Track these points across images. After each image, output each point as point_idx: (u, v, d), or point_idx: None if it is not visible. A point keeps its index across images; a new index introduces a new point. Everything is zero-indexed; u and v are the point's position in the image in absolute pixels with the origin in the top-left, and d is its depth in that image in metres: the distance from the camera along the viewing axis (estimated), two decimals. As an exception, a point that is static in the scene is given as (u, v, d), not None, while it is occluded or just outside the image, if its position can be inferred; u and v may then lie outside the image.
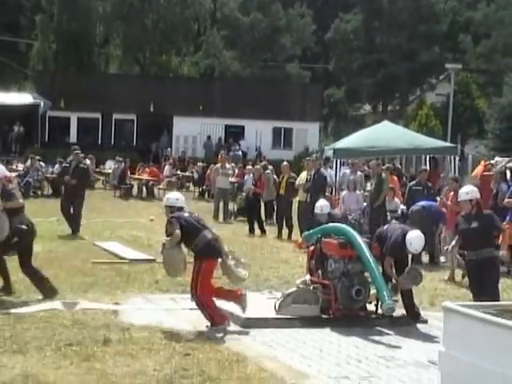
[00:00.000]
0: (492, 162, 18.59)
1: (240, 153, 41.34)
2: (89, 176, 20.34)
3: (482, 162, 19.40)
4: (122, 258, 14.38)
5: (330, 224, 11.42)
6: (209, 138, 44.17)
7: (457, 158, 23.57)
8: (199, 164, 33.75)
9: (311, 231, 11.39)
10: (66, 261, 13.81)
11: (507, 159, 18.15)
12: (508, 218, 15.52)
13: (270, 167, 23.56)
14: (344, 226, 10.97)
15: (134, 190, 30.16)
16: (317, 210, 12.85)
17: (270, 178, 21.33)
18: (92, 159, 32.76)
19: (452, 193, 15.40)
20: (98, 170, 33.76)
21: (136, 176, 31.49)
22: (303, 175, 19.22)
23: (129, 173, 31.01)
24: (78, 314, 9.80)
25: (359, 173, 20.47)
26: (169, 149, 42.53)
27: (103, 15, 51.49)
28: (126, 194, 29.52)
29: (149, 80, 47.37)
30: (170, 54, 53.34)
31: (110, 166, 34.24)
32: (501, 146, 38.26)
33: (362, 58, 55.51)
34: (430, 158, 24.53)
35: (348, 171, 20.53)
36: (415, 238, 10.20)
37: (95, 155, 33.70)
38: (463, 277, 13.91)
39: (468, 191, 10.64)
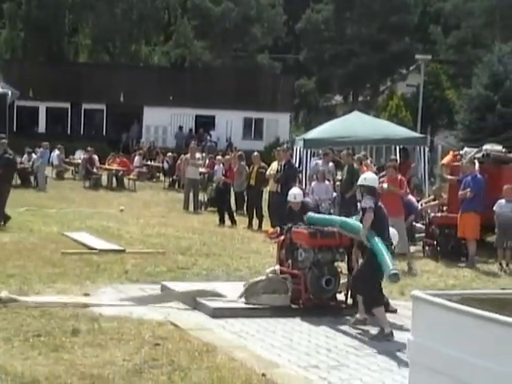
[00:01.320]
0: (461, 152, 18.71)
1: (211, 143, 41.28)
2: (14, 166, 19.24)
3: (451, 153, 19.53)
4: (91, 249, 14.29)
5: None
6: (180, 128, 44.02)
7: (427, 149, 23.72)
8: (169, 154, 33.62)
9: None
10: (35, 251, 13.68)
11: (476, 150, 18.26)
12: (461, 209, 15.70)
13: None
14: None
15: (104, 181, 29.98)
16: (290, 198, 12.72)
17: (243, 170, 21.32)
18: (61, 149, 32.50)
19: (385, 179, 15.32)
20: (67, 160, 33.48)
21: (106, 166, 31.29)
22: (274, 165, 19.20)
23: (98, 163, 30.77)
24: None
25: (331, 163, 20.51)
26: (142, 140, 42.40)
27: (72, 4, 50.92)
28: (96, 184, 29.33)
29: (119, 70, 47.05)
30: (140, 43, 52.94)
31: (79, 156, 33.99)
32: (470, 136, 38.42)
33: (333, 48, 55.55)
34: (400, 148, 24.65)
35: (320, 162, 20.56)
36: (392, 235, 10.11)
37: (64, 145, 33.41)
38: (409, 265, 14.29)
39: None
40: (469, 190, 15.39)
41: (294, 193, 12.65)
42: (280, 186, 17.93)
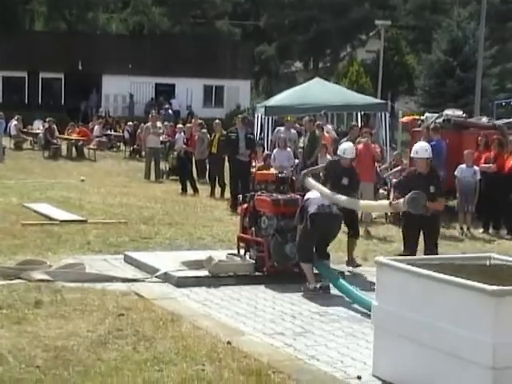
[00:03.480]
0: (422, 117, 18.79)
1: (171, 112, 40.99)
2: None
3: (412, 117, 19.62)
4: (52, 220, 14.13)
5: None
6: (131, 96, 43.60)
7: (387, 115, 23.83)
8: (129, 123, 33.32)
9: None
10: (-5, 223, 13.50)
11: (436, 115, 18.36)
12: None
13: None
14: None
15: (64, 151, 29.64)
16: (340, 152, 11.41)
17: (204, 137, 21.20)
18: (19, 119, 32.06)
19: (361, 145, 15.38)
20: (25, 130, 33.03)
21: (65, 136, 30.92)
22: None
23: (57, 133, 30.41)
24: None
25: (293, 130, 20.48)
26: (101, 109, 41.95)
27: (27, -30, 50.08)
28: (56, 154, 28.99)
29: (76, 38, 46.40)
30: (98, 10, 52.19)
31: (37, 126, 33.56)
32: (430, 102, 38.74)
33: (293, 14, 55.29)
34: (361, 114, 24.74)
35: (282, 129, 20.54)
36: None
37: (22, 115, 32.96)
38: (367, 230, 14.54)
39: (427, 148, 10.34)
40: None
41: (345, 147, 11.55)
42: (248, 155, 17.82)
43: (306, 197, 10.15)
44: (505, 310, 5.48)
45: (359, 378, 6.53)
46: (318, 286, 9.54)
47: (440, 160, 15.49)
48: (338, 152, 11.61)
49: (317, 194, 10.12)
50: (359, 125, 24.14)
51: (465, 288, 5.69)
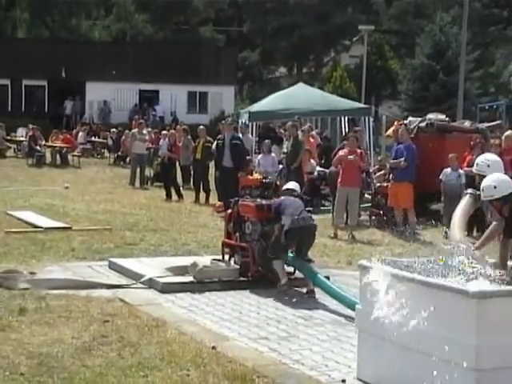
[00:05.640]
0: (405, 122, 18.86)
1: (156, 118, 40.99)
2: None
3: (396, 123, 19.68)
4: (36, 227, 14.09)
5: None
6: (105, 102, 43.51)
7: (371, 119, 23.91)
8: (113, 130, 33.28)
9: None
10: (-22, 231, 13.44)
11: (420, 119, 18.44)
12: (391, 178, 15.84)
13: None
14: None
15: (48, 158, 29.55)
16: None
17: (189, 143, 21.20)
18: (2, 127, 31.93)
19: (346, 150, 15.46)
20: (8, 137, 32.89)
21: (49, 143, 30.82)
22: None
23: (42, 140, 30.29)
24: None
25: (273, 154, 20.54)
26: (85, 115, 41.81)
27: (8, -23, 49.90)
28: (39, 161, 28.89)
29: (59, 44, 46.20)
30: (80, 17, 52.07)
31: (21, 133, 33.44)
32: (413, 106, 38.87)
33: (276, 20, 55.40)
34: (347, 119, 24.83)
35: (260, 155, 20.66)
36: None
37: (5, 122, 32.82)
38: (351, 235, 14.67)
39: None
40: (403, 159, 15.47)
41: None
42: (232, 161, 17.76)
43: (279, 200, 10.27)
44: (487, 311, 5.52)
45: (343, 381, 6.55)
46: (286, 281, 9.67)
47: (412, 164, 15.52)
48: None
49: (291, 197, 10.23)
50: (344, 130, 24.26)
51: (447, 290, 5.72)
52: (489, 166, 7.40)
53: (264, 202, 10.70)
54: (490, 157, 7.77)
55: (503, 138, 14.98)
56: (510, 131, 15.52)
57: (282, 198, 10.37)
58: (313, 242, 10.15)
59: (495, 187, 6.73)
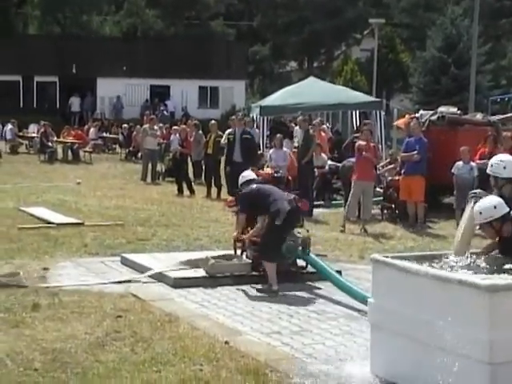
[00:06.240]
0: (417, 115, 18.80)
1: (166, 113, 40.99)
2: None
3: (407, 116, 19.62)
4: (49, 223, 14.13)
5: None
6: (118, 98, 43.54)
7: (382, 113, 23.84)
8: (124, 126, 33.33)
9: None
10: (-9, 227, 13.49)
11: (431, 112, 18.38)
12: (403, 171, 15.78)
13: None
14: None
15: (60, 154, 29.64)
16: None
17: (200, 138, 21.20)
18: (14, 123, 32.04)
19: (364, 142, 15.41)
20: (20, 134, 33.01)
21: (61, 139, 30.91)
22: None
23: (53, 136, 30.38)
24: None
25: (285, 149, 20.54)
26: (96, 111, 41.87)
27: (19, -26, 49.94)
28: (51, 157, 28.97)
29: (70, 41, 46.18)
30: (91, 13, 52.10)
31: (33, 129, 33.55)
32: (425, 99, 38.77)
33: (286, 14, 55.31)
34: (359, 112, 24.77)
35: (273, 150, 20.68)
36: None
37: (17, 119, 32.92)
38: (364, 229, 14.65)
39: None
40: (415, 152, 15.42)
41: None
42: (242, 156, 17.76)
43: (251, 187, 10.02)
44: (500, 305, 5.49)
45: (355, 368, 6.61)
46: (277, 289, 9.46)
47: (424, 157, 15.48)
48: None
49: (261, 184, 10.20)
50: (356, 123, 24.21)
51: (460, 284, 5.70)
52: (505, 167, 7.28)
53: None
54: (504, 158, 7.58)
55: None
56: None
57: (254, 187, 10.05)
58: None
59: (495, 207, 6.68)
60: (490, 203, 6.75)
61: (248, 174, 10.54)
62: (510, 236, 6.72)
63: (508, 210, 6.70)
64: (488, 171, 7.55)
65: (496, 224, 6.73)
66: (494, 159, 7.62)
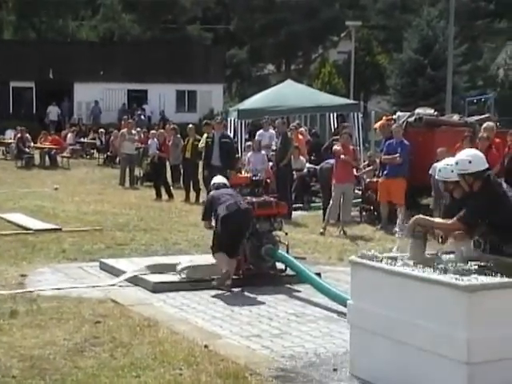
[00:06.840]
0: (394, 116, 18.87)
1: (143, 118, 40.92)
2: None
3: (384, 118, 19.69)
4: (26, 229, 14.04)
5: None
6: (96, 103, 43.38)
7: (360, 115, 23.92)
8: (101, 130, 33.22)
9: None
10: (-32, 234, 13.39)
11: (408, 114, 18.45)
12: (384, 173, 15.80)
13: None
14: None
15: (37, 159, 29.47)
16: None
17: (178, 142, 21.16)
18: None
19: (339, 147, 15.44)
20: (-4, 139, 32.83)
21: (38, 145, 30.74)
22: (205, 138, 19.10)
23: (30, 142, 30.20)
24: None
25: (271, 130, 20.57)
26: (74, 116, 41.68)
27: (-6, -22, 49.67)
28: (28, 163, 28.81)
29: (46, 46, 46.06)
30: (67, 18, 51.90)
31: (9, 135, 33.34)
32: (402, 101, 38.96)
33: (263, 17, 55.38)
34: (336, 115, 24.86)
35: (261, 131, 20.68)
36: None
37: (-7, 125, 32.76)
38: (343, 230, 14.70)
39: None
40: (397, 155, 15.46)
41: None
42: (220, 159, 17.70)
43: (210, 194, 10.28)
44: (478, 304, 5.52)
45: (335, 370, 6.65)
46: (227, 270, 9.64)
47: (406, 159, 15.54)
48: None
49: (222, 189, 10.19)
50: (334, 126, 24.27)
51: (438, 284, 5.73)
52: (470, 162, 6.86)
53: (254, 199, 10.70)
54: (468, 153, 7.09)
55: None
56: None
57: (211, 193, 10.25)
58: (250, 228, 9.96)
59: (470, 162, 6.73)
60: (466, 157, 6.81)
61: (216, 180, 10.57)
62: (478, 191, 6.77)
63: (483, 168, 6.74)
64: (437, 177, 7.49)
65: (468, 178, 6.77)
66: (441, 164, 7.45)
